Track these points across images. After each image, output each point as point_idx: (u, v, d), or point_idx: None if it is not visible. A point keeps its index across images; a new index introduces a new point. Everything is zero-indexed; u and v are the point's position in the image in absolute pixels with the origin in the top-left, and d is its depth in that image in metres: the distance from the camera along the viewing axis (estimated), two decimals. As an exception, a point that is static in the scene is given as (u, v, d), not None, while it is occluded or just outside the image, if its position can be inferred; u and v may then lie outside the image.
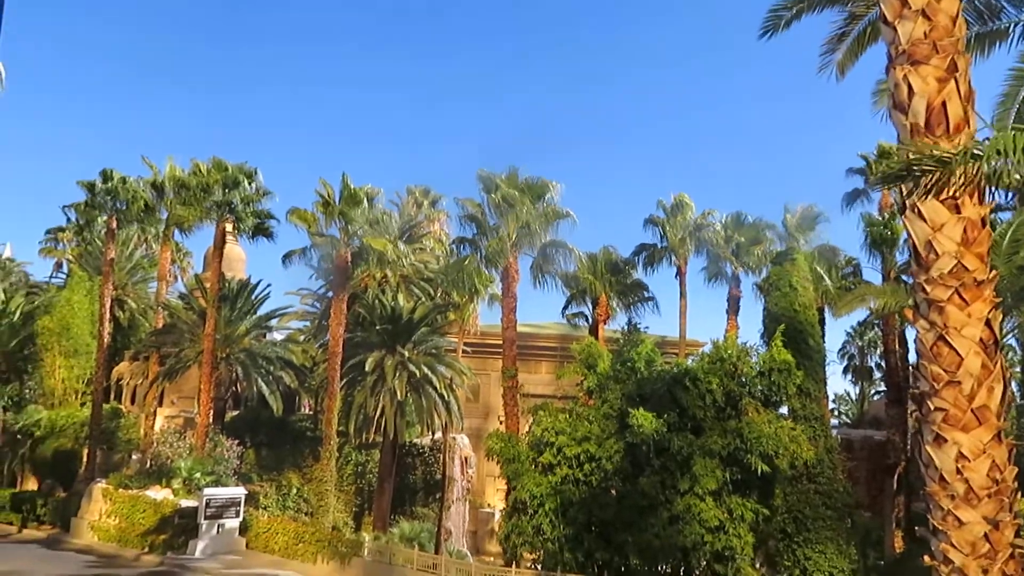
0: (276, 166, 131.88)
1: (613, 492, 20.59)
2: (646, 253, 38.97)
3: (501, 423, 36.87)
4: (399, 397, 34.13)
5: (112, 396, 46.59)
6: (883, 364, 43.57)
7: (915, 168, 7.84)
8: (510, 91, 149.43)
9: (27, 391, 43.14)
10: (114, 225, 37.47)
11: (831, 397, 30.41)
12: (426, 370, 35.14)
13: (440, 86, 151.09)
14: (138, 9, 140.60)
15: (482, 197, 33.00)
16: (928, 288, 9.92)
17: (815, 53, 14.06)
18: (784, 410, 24.40)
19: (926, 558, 10.09)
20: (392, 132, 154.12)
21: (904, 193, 9.96)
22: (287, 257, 35.13)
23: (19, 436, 40.78)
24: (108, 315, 38.08)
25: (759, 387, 21.61)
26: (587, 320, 38.19)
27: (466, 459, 41.12)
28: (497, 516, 36.32)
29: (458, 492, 38.86)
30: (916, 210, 9.95)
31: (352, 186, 33.81)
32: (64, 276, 50.57)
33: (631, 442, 20.19)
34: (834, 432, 32.05)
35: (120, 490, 30.35)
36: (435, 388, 35.66)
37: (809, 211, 38.99)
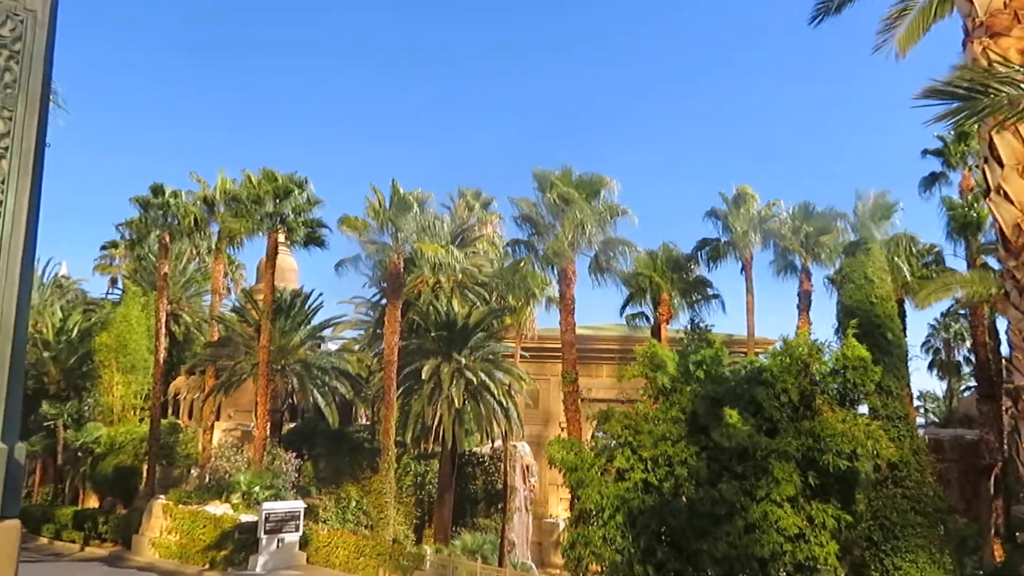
0: (322, 175, 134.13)
1: (683, 499, 20.33)
2: (709, 248, 38.43)
3: (562, 429, 36.72)
4: (457, 405, 34.26)
5: (170, 411, 47.90)
6: (972, 358, 42.22)
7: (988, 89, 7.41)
8: (553, 83, 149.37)
9: (86, 408, 44.59)
10: (167, 240, 38.60)
11: (916, 395, 29.51)
12: (483, 377, 35.22)
13: (480, 80, 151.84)
14: (166, 26, 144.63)
15: (536, 196, 33.04)
16: (1018, 275, 9.52)
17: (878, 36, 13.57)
18: (864, 409, 23.82)
19: (1029, 565, 9.70)
20: (437, 129, 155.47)
21: (983, 160, 9.62)
22: (339, 266, 35.73)
23: (79, 454, 42.26)
24: (164, 330, 39.25)
25: (833, 385, 21.11)
26: (648, 320, 37.85)
27: (527, 468, 41.18)
28: (561, 526, 36.23)
29: (520, 502, 38.92)
30: (1002, 192, 9.58)
31: (402, 191, 34.17)
32: (119, 292, 52.31)
33: (705, 445, 19.92)
34: (921, 432, 31.11)
35: (180, 506, 31.11)
36: (493, 395, 35.70)
37: (882, 198, 37.93)
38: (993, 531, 33.63)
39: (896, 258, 35.19)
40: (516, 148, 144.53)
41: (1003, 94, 7.40)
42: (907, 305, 36.06)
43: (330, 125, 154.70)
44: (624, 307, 37.32)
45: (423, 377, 34.40)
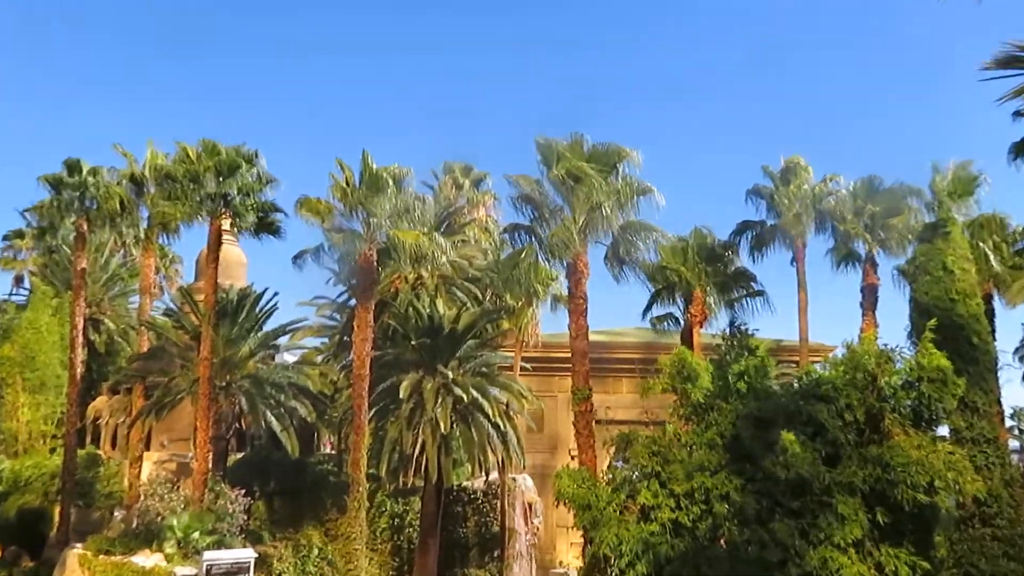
0: (277, 148, 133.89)
1: (723, 544, 20.31)
2: (752, 233, 38.53)
3: (573, 458, 36.72)
4: (443, 429, 34.18)
5: (88, 439, 47.73)
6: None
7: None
8: (563, 51, 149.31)
9: (-16, 437, 44.43)
10: (85, 228, 38.40)
11: (1008, 412, 29.50)
12: (475, 394, 35.15)
13: (478, 49, 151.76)
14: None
15: (540, 172, 32.93)
16: None
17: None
18: (944, 431, 23.80)
19: None
20: (422, 106, 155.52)
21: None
22: (298, 258, 35.51)
23: (-25, 493, 42.05)
24: (81, 339, 38.98)
25: (906, 402, 21.10)
26: (678, 323, 37.86)
27: (530, 505, 41.14)
28: (572, 577, 36.27)
29: (521, 547, 38.91)
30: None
31: (374, 167, 34.02)
32: (26, 293, 52.15)
33: (751, 476, 19.90)
34: (1015, 458, 31.13)
35: (101, 557, 30.92)
36: (488, 416, 35.60)
37: (964, 170, 37.90)
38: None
39: (982, 244, 35.16)
40: (517, 121, 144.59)
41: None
42: (996, 301, 36.05)
43: (287, 90, 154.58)
44: (649, 307, 37.28)
45: (401, 395, 34.31)
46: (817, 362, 39.15)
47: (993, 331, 31.77)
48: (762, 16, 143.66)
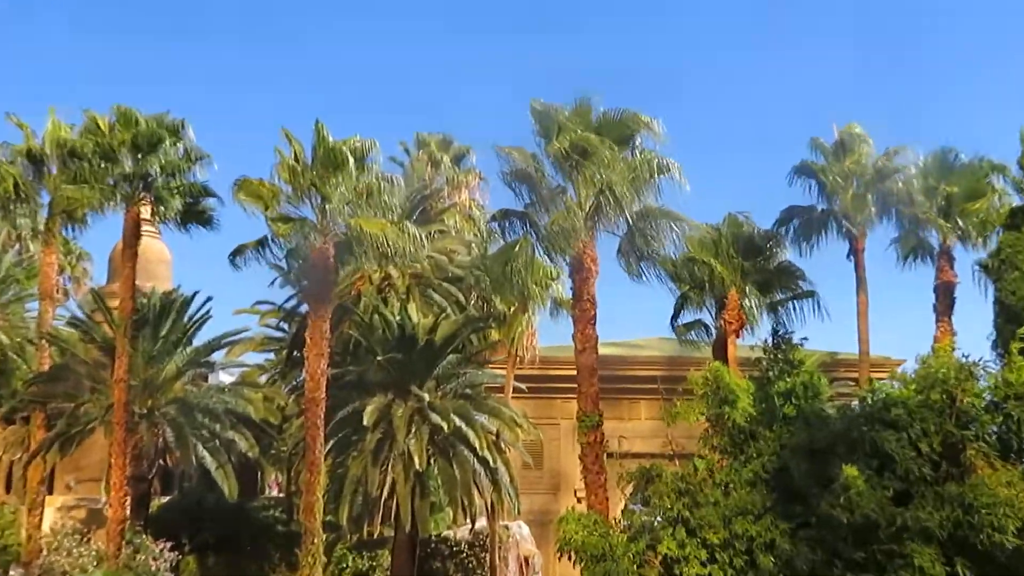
0: (221, 124, 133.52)
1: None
2: (799, 221, 38.48)
3: (579, 500, 36.62)
4: (417, 466, 34.09)
5: (-23, 480, 47.50)
6: None
7: None
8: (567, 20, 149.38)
9: None
10: (-31, 217, 38.21)
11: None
12: (458, 422, 35.05)
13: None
14: None
15: (537, 145, 32.85)
16: None
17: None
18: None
19: None
20: (395, 76, 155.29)
21: None
22: (236, 255, 35.26)
23: None
24: (-35, 356, 38.80)
25: (991, 427, 21.13)
26: (708, 332, 37.78)
27: (527, 559, 41.11)
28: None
29: (516, 611, 38.89)
30: None
31: (330, 140, 33.84)
32: None
33: (803, 520, 19.89)
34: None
35: (-5, 625, 30.81)
36: (473, 449, 35.53)
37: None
38: None
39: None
40: (509, 91, 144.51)
41: None
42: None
43: (224, 53, 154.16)
44: (676, 313, 37.23)
45: (365, 423, 34.20)
46: (881, 379, 39.38)
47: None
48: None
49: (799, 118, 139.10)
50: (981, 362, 21.90)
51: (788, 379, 22.78)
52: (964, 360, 21.63)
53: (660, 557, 21.13)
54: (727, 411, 22.65)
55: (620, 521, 23.89)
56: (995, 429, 21.09)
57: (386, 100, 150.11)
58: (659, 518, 22.00)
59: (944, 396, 20.71)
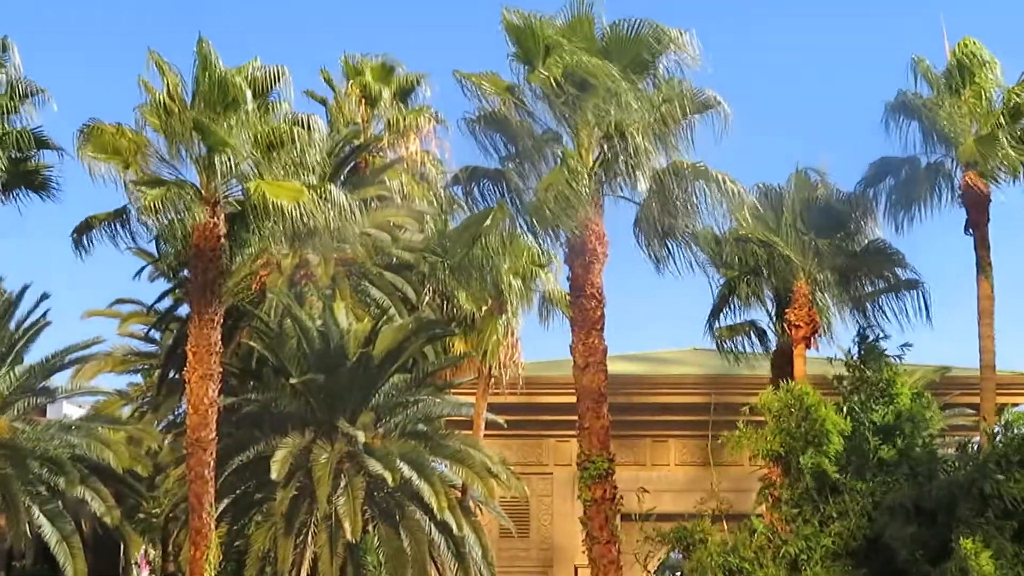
0: (63, 52, 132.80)
1: None
2: (895, 180, 38.38)
3: (583, 582, 36.73)
4: (349, 536, 34.14)
5: None
6: None
7: None
8: None
9: None
10: None
11: None
12: (407, 471, 35.16)
13: None
14: None
15: (516, 73, 32.77)
16: None
17: None
18: None
19: None
20: None
21: None
22: (83, 233, 35.16)
23: None
24: None
25: None
26: (764, 339, 37.91)
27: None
28: None
29: None
30: None
31: (220, 67, 33.79)
32: None
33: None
34: None
35: None
36: (429, 511, 35.62)
37: None
38: None
39: None
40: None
41: None
42: None
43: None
44: (717, 313, 37.23)
45: (275, 475, 34.16)
46: (1015, 404, 39.45)
47: None
48: None
49: (894, 42, 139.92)
50: None
51: (886, 408, 22.80)
52: None
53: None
54: (811, 457, 22.61)
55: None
56: None
57: (304, 14, 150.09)
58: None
59: None
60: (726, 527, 25.07)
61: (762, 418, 24.84)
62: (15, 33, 36.63)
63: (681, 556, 23.16)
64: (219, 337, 34.51)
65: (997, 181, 38.32)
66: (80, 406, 47.94)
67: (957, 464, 22.00)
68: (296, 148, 34.58)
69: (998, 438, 22.10)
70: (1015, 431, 21.67)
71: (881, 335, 34.87)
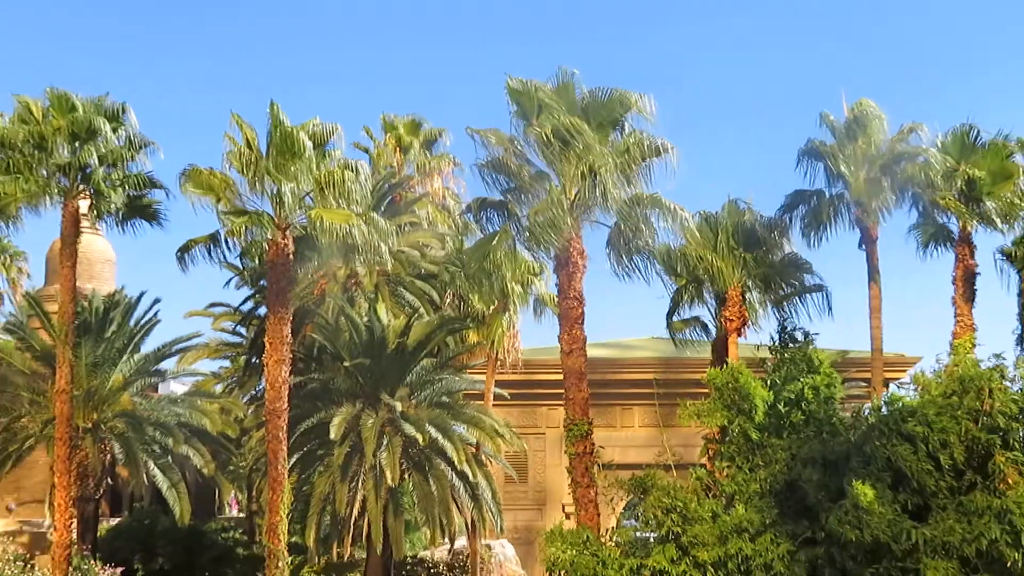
0: (155, 104, 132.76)
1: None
2: (805, 208, 38.51)
3: (568, 515, 36.62)
4: (390, 481, 34.11)
5: (-94, 503, 47.24)
6: None
7: None
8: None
9: None
10: None
11: None
12: (434, 432, 35.09)
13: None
14: None
15: (516, 128, 32.86)
16: None
17: None
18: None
19: None
20: (365, 56, 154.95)
21: None
22: (185, 252, 35.16)
23: None
24: None
25: (1021, 433, 21.10)
26: (707, 330, 37.98)
27: (511, 582, 41.08)
28: None
29: (501, 639, 38.91)
30: None
31: (287, 124, 33.78)
32: None
33: (810, 538, 19.89)
34: None
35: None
36: (451, 463, 35.70)
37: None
38: None
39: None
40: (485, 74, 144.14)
41: None
42: None
43: (172, 27, 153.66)
44: (673, 311, 37.26)
45: (332, 436, 34.18)
46: (895, 379, 39.43)
47: None
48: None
49: (805, 98, 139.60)
50: (1005, 359, 21.95)
51: (798, 382, 22.79)
52: (1001, 361, 21.68)
53: (650, 572, 21.12)
54: (741, 421, 22.64)
55: (612, 537, 23.75)
56: (1027, 435, 21.09)
57: (350, 82, 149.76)
58: (653, 534, 21.99)
59: (972, 400, 20.71)
60: (675, 474, 25.06)
61: (705, 390, 24.91)
62: (130, 100, 36.56)
63: (640, 498, 23.08)
64: (289, 331, 34.50)
65: (882, 212, 38.51)
66: (183, 384, 47.85)
67: (853, 430, 21.99)
68: (346, 186, 34.59)
69: (882, 411, 22.10)
70: (893, 408, 21.66)
71: (796, 326, 35.24)
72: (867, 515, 19.10)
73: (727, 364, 24.85)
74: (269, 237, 33.90)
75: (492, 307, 39.66)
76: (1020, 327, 29.85)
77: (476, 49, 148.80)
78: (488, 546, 40.09)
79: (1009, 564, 19.02)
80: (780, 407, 22.69)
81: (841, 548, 19.52)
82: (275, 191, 33.53)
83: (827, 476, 20.62)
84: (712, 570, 20.26)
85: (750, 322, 36.41)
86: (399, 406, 35.50)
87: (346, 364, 36.40)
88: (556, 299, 34.51)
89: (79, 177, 34.98)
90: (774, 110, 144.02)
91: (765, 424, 22.83)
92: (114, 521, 45.55)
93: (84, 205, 35.99)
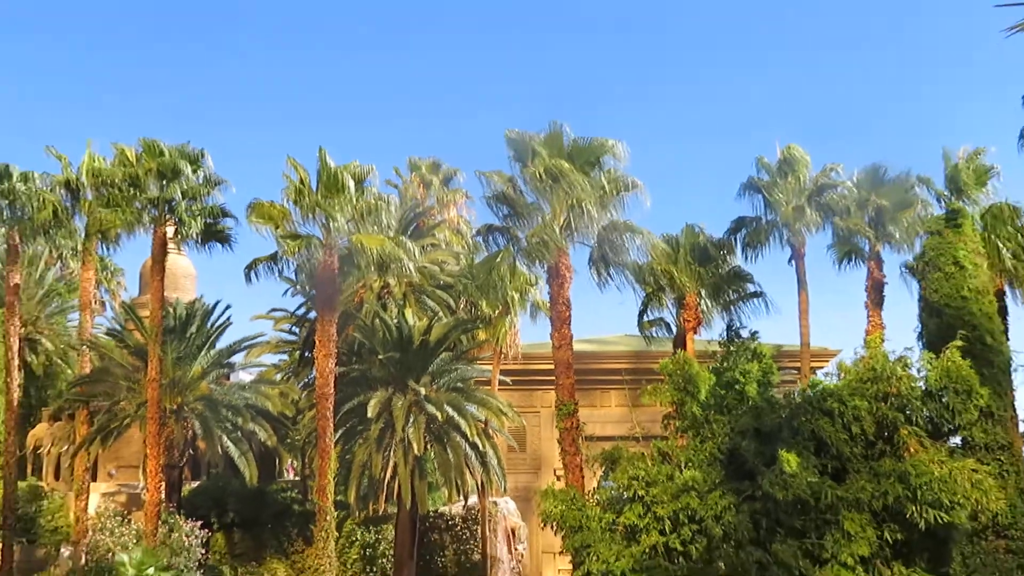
0: (227, 149, 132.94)
1: (722, 566, 20.41)
2: (747, 231, 38.67)
3: (558, 478, 36.70)
4: (416, 451, 34.24)
5: (29, 470, 47.33)
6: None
7: None
8: (542, 44, 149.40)
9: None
10: (16, 240, 38.09)
11: (1022, 416, 29.72)
12: (451, 411, 35.18)
13: (450, 43, 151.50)
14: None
15: (513, 168, 33.00)
16: None
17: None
18: (957, 440, 23.98)
19: None
20: (392, 104, 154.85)
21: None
22: (251, 269, 35.36)
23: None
24: (16, 361, 38.69)
25: (923, 412, 21.28)
26: (669, 329, 38.00)
27: (513, 531, 41.18)
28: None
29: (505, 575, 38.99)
30: None
31: (332, 166, 33.99)
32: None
33: (749, 495, 20.03)
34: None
35: (47, 599, 30.81)
36: (465, 436, 35.70)
37: (977, 158, 38.29)
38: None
39: (994, 236, 35.43)
40: (492, 117, 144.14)
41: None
42: (1010, 297, 36.26)
43: (236, 82, 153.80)
44: (643, 314, 37.46)
45: (369, 414, 34.31)
46: (820, 367, 39.66)
47: (1006, 330, 31.95)
48: (754, 5, 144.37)
49: (750, 139, 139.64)
50: (910, 352, 22.14)
51: (740, 367, 22.88)
52: (906, 353, 21.87)
53: (622, 525, 21.28)
54: (688, 401, 22.79)
55: (593, 495, 23.92)
56: (927, 414, 21.24)
57: (380, 129, 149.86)
58: (625, 493, 22.11)
59: (881, 384, 20.90)
60: (643, 444, 25.08)
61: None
62: (207, 142, 36.76)
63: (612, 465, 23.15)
64: (334, 331, 34.64)
65: (807, 234, 38.79)
66: (250, 374, 47.89)
67: (783, 407, 22.04)
68: (380, 215, 34.83)
69: (805, 394, 22.20)
70: (816, 390, 21.75)
71: (740, 325, 35.42)
72: (792, 478, 19.28)
73: (676, 355, 24.90)
74: (318, 256, 34.22)
75: (497, 311, 39.85)
76: (920, 326, 30.00)
77: (481, 90, 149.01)
78: (495, 502, 40.22)
79: (908, 515, 19.19)
80: (719, 389, 22.78)
81: (775, 504, 19.69)
82: (323, 220, 33.80)
83: (762, 445, 20.68)
84: (668, 522, 20.42)
85: (703, 322, 36.45)
86: (423, 390, 35.64)
87: (380, 357, 36.43)
88: (548, 304, 34.54)
89: (166, 209, 35.20)
90: (724, 152, 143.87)
91: (709, 403, 22.86)
92: (194, 484, 45.63)
93: (170, 231, 36.32)
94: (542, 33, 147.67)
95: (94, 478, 42.80)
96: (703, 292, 36.17)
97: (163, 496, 35.85)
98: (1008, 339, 30.90)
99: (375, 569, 39.46)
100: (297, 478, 48.20)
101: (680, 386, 22.85)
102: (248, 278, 35.50)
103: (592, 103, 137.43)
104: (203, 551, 35.59)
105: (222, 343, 42.24)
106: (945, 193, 37.83)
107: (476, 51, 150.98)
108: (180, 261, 49.43)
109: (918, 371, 21.90)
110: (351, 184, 34.05)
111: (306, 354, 41.68)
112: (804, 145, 39.71)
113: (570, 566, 23.44)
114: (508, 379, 43.52)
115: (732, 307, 36.72)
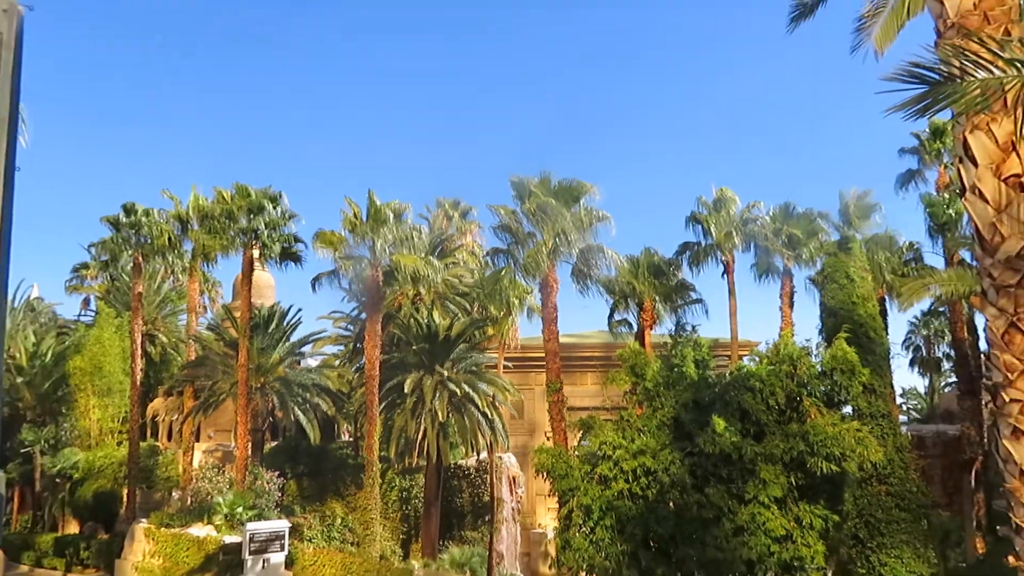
0: (299, 181, 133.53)
1: (671, 505, 20.42)
2: (690, 252, 38.74)
3: (548, 439, 36.76)
4: (440, 418, 34.27)
5: (148, 433, 47.48)
6: (952, 354, 42.77)
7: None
8: (542, 83, 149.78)
9: (63, 433, 44.10)
10: (140, 259, 38.31)
11: (898, 392, 29.96)
12: (467, 388, 35.26)
13: (465, 80, 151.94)
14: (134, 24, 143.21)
15: (515, 204, 33.11)
16: (995, 273, 9.72)
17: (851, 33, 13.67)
18: (848, 409, 24.03)
19: (1010, 558, 9.85)
20: (418, 133, 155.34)
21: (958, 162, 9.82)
22: (316, 281, 35.58)
23: (58, 480, 41.77)
24: (139, 351, 38.91)
25: (820, 387, 21.33)
26: (631, 327, 38.12)
27: (514, 479, 41.19)
28: (550, 535, 36.28)
29: (507, 513, 38.94)
30: (977, 191, 9.77)
31: (378, 203, 34.18)
32: (92, 314, 51.82)
33: (690, 452, 20.06)
34: (904, 429, 31.52)
35: (162, 529, 30.85)
36: (477, 407, 35.73)
37: (864, 197, 38.42)
38: (975, 524, 34.06)
39: (876, 257, 35.61)
40: (498, 156, 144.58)
41: (975, 81, 7.31)
42: (888, 303, 36.48)
43: (309, 134, 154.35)
44: (611, 315, 37.58)
45: (405, 391, 34.38)
46: (745, 355, 39.60)
47: (886, 327, 32.23)
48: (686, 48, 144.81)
49: (692, 182, 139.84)
50: (809, 344, 22.20)
51: (682, 352, 22.91)
52: (806, 343, 21.93)
53: (598, 475, 21.30)
54: (639, 381, 22.82)
55: (575, 451, 23.96)
56: (823, 389, 21.28)
57: (413, 176, 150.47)
58: (598, 452, 22.13)
59: (789, 367, 20.95)
60: (612, 413, 25.00)
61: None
62: (286, 188, 36.90)
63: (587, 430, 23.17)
64: (380, 328, 34.89)
65: (735, 254, 38.97)
66: (315, 360, 48.10)
67: (716, 384, 22.07)
68: (413, 241, 34.98)
69: (734, 373, 22.24)
70: (741, 371, 21.77)
71: (685, 323, 35.50)
72: (720, 438, 19.36)
73: (630, 346, 24.96)
74: (367, 272, 34.36)
75: (501, 313, 39.94)
76: (820, 324, 30.09)
77: (495, 139, 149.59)
78: (500, 457, 40.18)
79: (809, 466, 19.24)
80: (665, 371, 22.79)
81: (708, 458, 19.76)
82: (370, 244, 33.96)
83: (699, 414, 20.71)
84: (631, 474, 20.44)
85: (658, 321, 36.60)
86: (446, 373, 35.73)
87: (414, 348, 36.55)
88: (540, 308, 34.64)
89: (253, 236, 35.44)
90: (675, 189, 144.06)
91: (659, 380, 22.85)
92: (274, 444, 45.76)
93: (256, 253, 36.49)
94: (546, 78, 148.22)
95: (197, 439, 43.05)
96: (657, 299, 36.36)
97: (249, 453, 35.98)
98: (888, 334, 31.16)
99: (409, 508, 39.51)
100: (351, 439, 48.30)
101: (633, 371, 22.85)
102: (314, 288, 35.93)
103: (580, 142, 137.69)
104: (280, 495, 35.67)
105: (294, 337, 42.50)
106: (840, 224, 38.00)
107: (478, 97, 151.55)
108: (263, 275, 49.52)
109: (817, 357, 22.05)
110: (391, 217, 34.25)
111: (357, 345, 41.84)
112: (735, 182, 40.22)
113: (557, 505, 23.50)
114: (510, 364, 43.71)
115: (679, 310, 36.90)
